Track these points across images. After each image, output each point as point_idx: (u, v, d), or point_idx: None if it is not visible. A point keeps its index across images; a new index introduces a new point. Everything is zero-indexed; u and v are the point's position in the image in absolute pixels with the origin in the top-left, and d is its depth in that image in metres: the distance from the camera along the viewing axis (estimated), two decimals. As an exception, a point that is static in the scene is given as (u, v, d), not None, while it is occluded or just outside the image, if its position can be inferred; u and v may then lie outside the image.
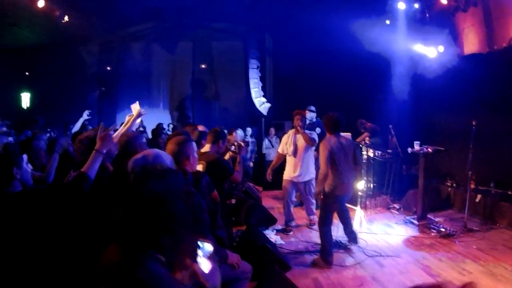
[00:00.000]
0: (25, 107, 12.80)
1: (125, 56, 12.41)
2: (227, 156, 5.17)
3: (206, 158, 4.00)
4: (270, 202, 8.26)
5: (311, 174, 6.26)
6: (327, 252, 4.93)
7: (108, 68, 12.46)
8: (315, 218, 6.16)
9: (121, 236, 1.40)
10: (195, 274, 1.41)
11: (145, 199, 1.37)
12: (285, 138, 6.41)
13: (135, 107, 3.91)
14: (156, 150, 2.49)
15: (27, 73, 13.32)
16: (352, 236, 5.54)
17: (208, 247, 1.49)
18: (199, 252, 1.46)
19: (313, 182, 6.20)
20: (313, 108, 7.33)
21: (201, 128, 5.05)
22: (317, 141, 5.97)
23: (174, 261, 1.37)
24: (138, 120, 3.94)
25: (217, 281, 1.49)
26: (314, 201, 6.24)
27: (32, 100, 12.73)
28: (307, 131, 6.07)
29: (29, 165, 2.98)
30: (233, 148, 4.92)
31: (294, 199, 6.59)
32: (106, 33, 11.83)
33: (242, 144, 4.68)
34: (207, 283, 1.43)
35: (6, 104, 12.75)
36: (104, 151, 2.60)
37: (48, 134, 8.97)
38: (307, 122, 6.78)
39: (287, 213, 6.38)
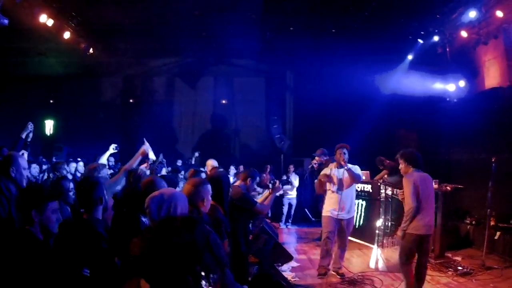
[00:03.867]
0: (48, 134, 13.06)
1: (147, 89, 12.71)
2: (266, 194, 5.31)
3: (232, 190, 4.47)
4: (286, 238, 8.29)
5: (353, 211, 6.00)
6: None
7: (131, 101, 12.73)
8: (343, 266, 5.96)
9: (150, 274, 1.63)
10: None
11: (177, 249, 1.59)
12: (326, 172, 5.99)
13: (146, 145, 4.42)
14: (173, 190, 2.56)
15: (51, 101, 13.68)
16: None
17: None
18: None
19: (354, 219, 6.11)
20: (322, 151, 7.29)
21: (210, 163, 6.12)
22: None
23: None
24: (151, 157, 4.49)
25: None
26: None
27: (56, 127, 12.99)
28: (350, 166, 5.76)
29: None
30: (270, 185, 5.24)
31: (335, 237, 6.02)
32: (129, 67, 12.19)
33: (277, 183, 5.15)
34: None
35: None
36: None
37: (75, 164, 8.98)
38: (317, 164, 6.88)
39: (325, 253, 5.84)
